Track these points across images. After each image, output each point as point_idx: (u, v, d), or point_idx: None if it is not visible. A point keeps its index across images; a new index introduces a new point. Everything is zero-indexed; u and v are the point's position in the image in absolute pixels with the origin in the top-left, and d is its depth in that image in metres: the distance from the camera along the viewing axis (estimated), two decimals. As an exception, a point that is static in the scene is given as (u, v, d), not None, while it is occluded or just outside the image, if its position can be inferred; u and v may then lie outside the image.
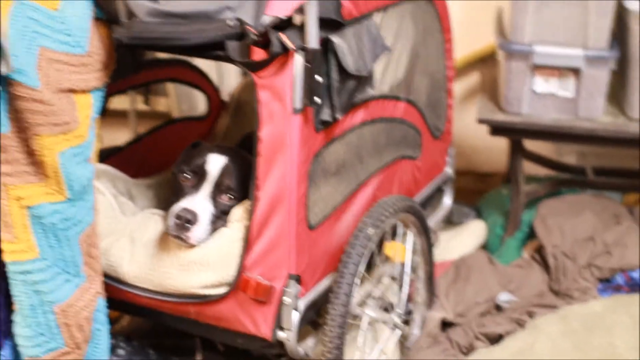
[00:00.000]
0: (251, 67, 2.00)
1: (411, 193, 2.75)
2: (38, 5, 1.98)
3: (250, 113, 2.99)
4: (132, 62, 2.63)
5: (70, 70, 2.05)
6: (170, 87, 3.80)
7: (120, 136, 3.32)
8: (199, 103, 3.76)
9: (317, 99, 2.00)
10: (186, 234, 2.17)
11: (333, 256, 2.29)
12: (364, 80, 2.23)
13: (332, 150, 2.18)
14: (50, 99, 1.99)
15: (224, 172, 2.28)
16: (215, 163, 2.30)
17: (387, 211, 2.35)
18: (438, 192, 3.13)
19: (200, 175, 2.29)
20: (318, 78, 1.99)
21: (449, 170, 3.11)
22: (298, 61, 1.98)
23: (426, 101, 2.77)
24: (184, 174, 2.30)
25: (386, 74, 2.44)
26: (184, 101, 3.84)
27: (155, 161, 2.88)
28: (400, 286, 2.60)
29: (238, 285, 2.14)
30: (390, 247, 2.53)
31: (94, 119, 2.16)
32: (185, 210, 2.18)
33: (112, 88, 2.36)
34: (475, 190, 4.01)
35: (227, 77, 3.71)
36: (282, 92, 2.00)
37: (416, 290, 2.77)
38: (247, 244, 2.12)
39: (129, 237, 2.30)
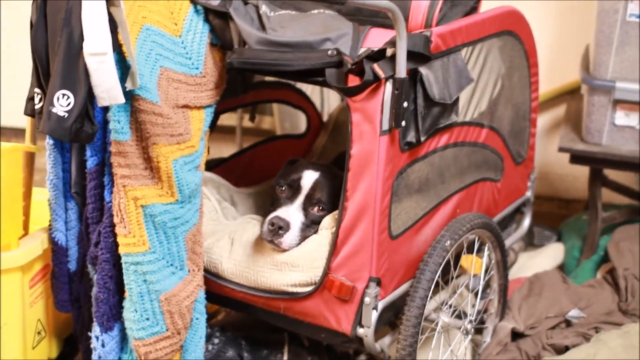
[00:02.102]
0: (346, 92, 2.18)
1: (491, 213, 2.87)
2: (163, 31, 2.20)
3: (346, 133, 3.14)
4: (242, 83, 2.84)
5: (186, 88, 2.26)
6: (275, 107, 4.00)
7: (226, 150, 3.52)
8: (300, 122, 3.89)
9: (402, 122, 2.17)
10: (278, 239, 2.37)
11: (412, 264, 2.43)
12: (449, 107, 2.38)
13: (416, 169, 2.34)
14: (168, 113, 2.19)
15: (316, 186, 2.49)
16: (309, 178, 2.51)
17: (464, 226, 2.49)
18: (520, 214, 3.25)
19: (295, 188, 2.50)
20: (405, 104, 2.16)
21: (529, 194, 3.23)
22: (388, 88, 2.15)
23: (509, 129, 2.90)
24: (281, 187, 2.52)
25: (471, 103, 2.59)
26: (286, 120, 4.00)
27: (256, 173, 3.09)
28: (475, 297, 2.73)
29: (324, 284, 2.31)
30: (466, 260, 2.68)
31: (205, 132, 2.36)
32: (279, 218, 2.39)
33: (223, 106, 2.61)
34: (558, 215, 4.10)
35: (329, 99, 3.90)
36: (372, 115, 2.17)
37: (490, 301, 2.89)
38: (334, 248, 2.29)
39: (229, 237, 2.50)
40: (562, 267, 3.56)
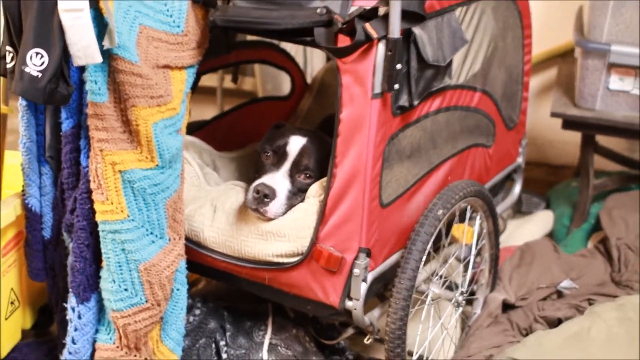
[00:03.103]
0: (336, 53, 2.10)
1: (482, 179, 2.82)
2: (142, -14, 2.11)
3: (332, 95, 3.09)
4: (224, 43, 2.74)
5: (167, 47, 2.16)
6: (257, 67, 3.93)
7: (207, 112, 3.45)
8: (283, 84, 3.88)
9: (395, 86, 2.09)
10: (263, 207, 2.30)
11: (402, 234, 2.37)
12: (442, 70, 2.31)
13: (408, 134, 2.27)
14: (148, 73, 2.10)
15: (303, 153, 2.41)
16: (295, 144, 2.43)
17: (456, 194, 2.43)
18: (509, 181, 3.20)
19: (281, 154, 2.43)
20: (398, 66, 2.08)
21: (520, 160, 3.17)
22: (380, 49, 2.07)
23: (502, 93, 2.84)
24: (266, 153, 2.44)
25: (464, 65, 2.52)
26: (268, 81, 3.96)
27: (238, 136, 3.02)
28: (466, 267, 2.67)
29: (311, 255, 2.25)
30: (457, 229, 2.62)
31: (186, 94, 2.27)
32: (264, 185, 2.31)
33: (204, 66, 2.50)
34: (546, 182, 4.06)
35: (312, 60, 3.82)
36: (364, 78, 2.09)
37: (481, 272, 2.84)
38: (322, 217, 2.22)
39: (211, 205, 2.42)
40: (551, 235, 3.52)
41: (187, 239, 2.41)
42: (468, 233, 2.65)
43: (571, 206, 3.58)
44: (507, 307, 2.89)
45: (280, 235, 2.29)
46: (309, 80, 3.42)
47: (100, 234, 2.17)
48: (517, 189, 3.23)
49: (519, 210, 3.70)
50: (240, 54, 3.01)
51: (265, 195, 2.29)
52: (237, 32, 2.72)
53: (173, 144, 2.20)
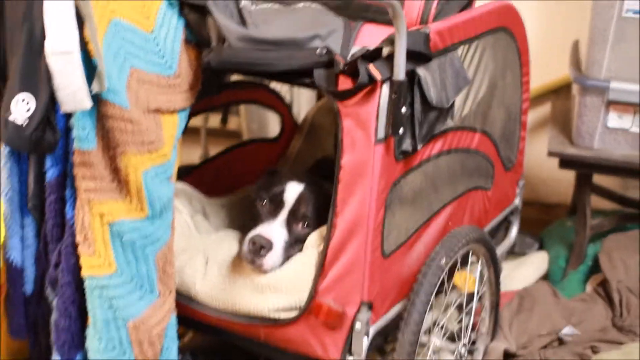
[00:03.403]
0: (337, 95, 2.02)
1: (481, 223, 2.74)
2: (134, 26, 2.01)
3: (323, 136, 3.04)
4: (215, 84, 2.66)
5: (158, 91, 2.08)
6: (242, 107, 3.85)
7: (190, 153, 3.36)
8: (269, 123, 3.80)
9: (400, 130, 2.01)
10: (260, 260, 2.20)
11: (404, 284, 2.28)
12: (445, 111, 2.23)
13: (410, 180, 2.19)
14: (139, 118, 2.01)
15: (301, 200, 2.33)
16: (292, 191, 2.34)
17: (460, 242, 2.35)
18: (505, 223, 3.12)
19: (277, 202, 2.34)
20: (403, 109, 2.00)
21: (517, 202, 3.10)
22: (384, 92, 1.99)
23: (501, 133, 2.77)
24: (262, 201, 2.35)
25: (465, 105, 2.44)
26: (254, 120, 3.89)
27: (227, 180, 2.92)
28: (466, 315, 2.58)
29: (310, 309, 2.14)
30: (459, 277, 2.53)
31: (178, 139, 2.19)
32: (260, 236, 2.22)
33: (193, 108, 2.38)
34: (539, 221, 3.98)
35: (299, 99, 3.74)
36: (367, 122, 2.01)
37: (481, 320, 2.75)
38: (322, 269, 2.13)
39: (203, 256, 2.32)
40: (546, 277, 3.44)
41: (178, 292, 2.29)
42: (470, 280, 2.55)
43: (567, 247, 3.52)
44: (507, 356, 2.80)
45: (277, 289, 2.19)
46: (297, 120, 3.32)
47: (87, 289, 2.06)
48: (513, 231, 3.16)
49: (512, 251, 3.60)
50: (230, 95, 2.93)
51: (261, 247, 2.20)
52: (233, 73, 2.62)
53: (164, 193, 2.11)
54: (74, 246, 2.04)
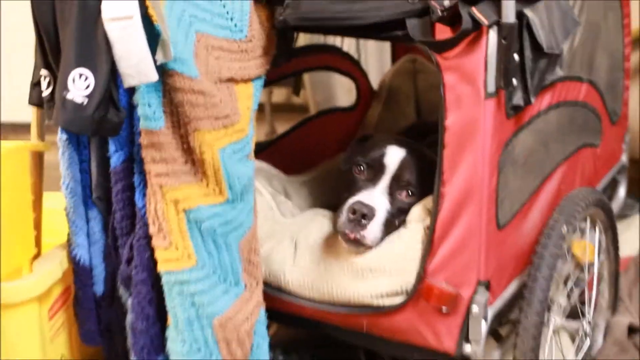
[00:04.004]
0: (436, 47, 1.79)
1: (592, 184, 2.51)
2: (197, -15, 1.81)
3: (404, 102, 2.84)
4: (284, 49, 2.42)
5: (230, 57, 1.89)
6: (306, 78, 3.66)
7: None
8: (336, 93, 3.66)
9: (513, 81, 1.77)
10: (361, 231, 1.96)
11: (520, 258, 2.07)
12: (554, 58, 1.99)
13: (521, 139, 1.96)
14: (211, 89, 1.81)
15: (404, 166, 2.09)
16: (394, 156, 2.10)
17: (579, 206, 2.12)
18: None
19: (377, 168, 2.10)
20: (514, 57, 1.76)
21: (624, 159, 2.85)
22: (492, 38, 1.75)
23: (606, 82, 2.53)
24: (359, 166, 2.11)
25: (570, 52, 2.20)
26: (319, 92, 3.71)
27: (304, 156, 2.72)
28: (585, 289, 2.35)
29: (419, 293, 1.92)
30: (578, 246, 2.29)
31: (254, 112, 1.99)
32: (361, 203, 1.98)
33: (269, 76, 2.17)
34: (638, 180, 3.71)
35: (366, 63, 3.53)
36: (473, 74, 1.77)
37: (600, 293, 2.51)
38: (430, 246, 1.90)
39: (291, 240, 2.12)
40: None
41: (265, 283, 2.10)
42: (590, 249, 2.31)
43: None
44: (632, 330, 2.56)
45: (379, 271, 1.97)
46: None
47: (165, 286, 1.87)
48: (621, 192, 2.93)
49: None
50: (301, 62, 2.68)
51: (363, 216, 1.96)
52: (312, 32, 2.38)
53: (244, 172, 1.92)
54: (148, 239, 1.86)
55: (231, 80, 1.89)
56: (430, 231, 1.89)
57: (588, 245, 2.31)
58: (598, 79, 2.44)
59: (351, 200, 2.02)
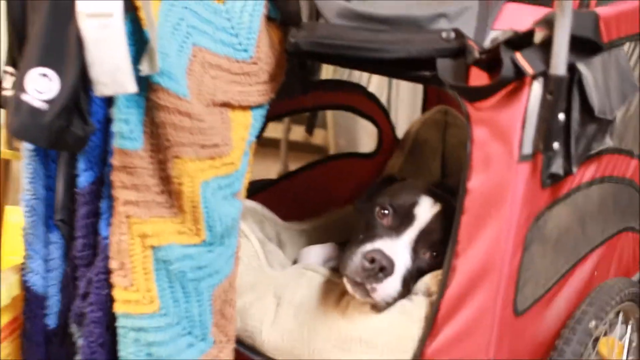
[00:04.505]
0: (467, 94, 1.55)
1: (629, 275, 2.25)
2: (201, -6, 1.60)
3: (430, 156, 2.64)
4: (300, 80, 2.21)
5: (229, 79, 1.67)
6: (329, 116, 3.50)
7: (265, 170, 2.96)
8: (360, 138, 3.48)
9: (555, 144, 1.53)
10: (374, 285, 1.71)
11: (535, 352, 1.82)
12: (605, 125, 1.75)
13: (556, 214, 1.71)
14: (200, 112, 1.59)
15: (436, 222, 1.84)
16: (427, 208, 1.86)
17: (613, 299, 1.88)
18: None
19: (405, 217, 1.85)
20: (560, 116, 1.52)
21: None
22: (535, 91, 1.51)
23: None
24: (384, 210, 1.87)
25: (623, 121, 1.98)
26: (342, 134, 3.53)
27: (309, 202, 2.51)
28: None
29: (413, 379, 1.67)
30: (605, 344, 2.03)
31: (250, 145, 1.78)
32: (382, 253, 1.72)
33: (272, 110, 1.94)
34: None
35: (397, 110, 3.33)
36: (508, 131, 1.53)
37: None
38: (432, 325, 1.65)
39: (274, 295, 1.88)
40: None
41: (238, 341, 1.86)
42: (618, 349, 2.06)
43: None
44: None
45: (370, 345, 1.72)
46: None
47: (119, 330, 1.66)
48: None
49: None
50: (319, 97, 2.45)
51: (381, 268, 1.70)
52: (327, 61, 2.15)
53: (228, 212, 1.69)
54: (108, 274, 1.65)
55: (227, 105, 1.67)
56: (435, 308, 1.64)
57: (617, 344, 2.06)
58: (648, 156, 2.20)
59: (370, 246, 1.76)
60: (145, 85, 1.51)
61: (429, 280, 1.75)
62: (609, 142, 1.81)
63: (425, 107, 2.96)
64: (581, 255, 1.90)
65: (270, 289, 1.88)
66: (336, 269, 1.89)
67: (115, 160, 1.56)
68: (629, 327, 2.08)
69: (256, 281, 1.92)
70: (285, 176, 2.53)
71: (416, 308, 1.71)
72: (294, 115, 2.71)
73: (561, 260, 1.82)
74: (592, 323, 1.79)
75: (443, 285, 1.62)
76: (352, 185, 2.46)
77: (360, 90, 2.62)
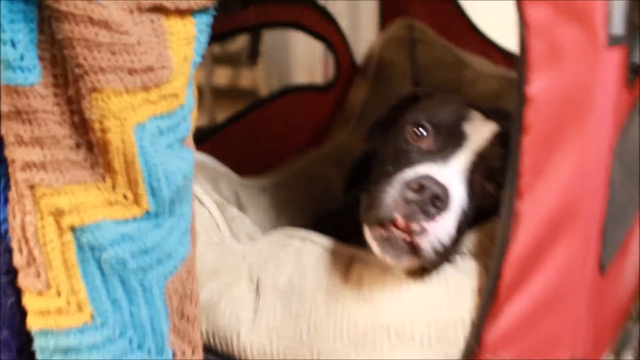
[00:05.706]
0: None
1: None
2: None
3: (399, 78, 2.21)
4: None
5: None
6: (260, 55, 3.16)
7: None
8: (295, 75, 3.16)
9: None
10: (424, 223, 1.20)
11: (615, 322, 1.41)
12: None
13: (635, 124, 1.28)
14: (123, 21, 1.14)
15: (494, 145, 1.36)
16: (481, 125, 1.38)
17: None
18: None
19: (451, 136, 1.37)
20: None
21: None
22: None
23: None
24: (419, 128, 1.38)
25: None
26: (274, 74, 3.18)
27: (261, 151, 2.13)
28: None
29: (469, 378, 1.23)
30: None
31: (196, 67, 1.32)
32: (431, 179, 1.22)
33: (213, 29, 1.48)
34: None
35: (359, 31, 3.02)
36: (586, 5, 1.07)
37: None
38: (492, 300, 1.20)
39: (249, 280, 1.41)
40: None
41: (208, 349, 1.42)
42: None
43: None
44: None
45: (399, 335, 1.25)
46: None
47: (38, 354, 1.22)
48: None
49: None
50: (262, 12, 2.07)
51: (434, 199, 1.20)
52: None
53: (177, 167, 1.24)
54: (13, 274, 1.21)
55: (159, 9, 1.21)
56: (495, 275, 1.17)
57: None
58: None
59: (412, 172, 1.26)
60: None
61: (477, 238, 1.28)
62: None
63: (384, 21, 2.54)
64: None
65: (242, 271, 1.41)
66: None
67: (3, 104, 1.12)
68: None
69: (221, 262, 1.45)
70: (228, 121, 2.13)
71: (466, 277, 1.25)
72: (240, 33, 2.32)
73: (636, 189, 1.39)
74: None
75: (503, 240, 1.15)
76: (310, 125, 2.14)
77: (311, 4, 2.24)
